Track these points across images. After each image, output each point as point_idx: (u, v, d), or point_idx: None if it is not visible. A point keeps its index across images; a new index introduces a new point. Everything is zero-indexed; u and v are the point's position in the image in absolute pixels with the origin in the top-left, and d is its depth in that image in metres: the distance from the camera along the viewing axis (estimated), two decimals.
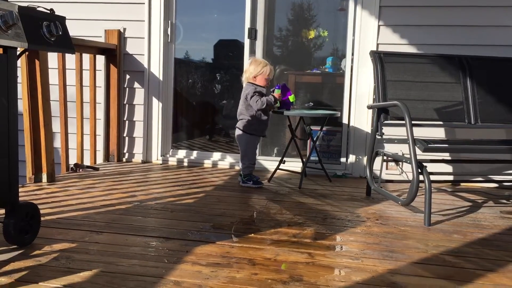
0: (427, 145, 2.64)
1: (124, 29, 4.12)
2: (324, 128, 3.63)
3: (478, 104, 3.19)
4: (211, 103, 4.98)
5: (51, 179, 3.25)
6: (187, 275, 1.75)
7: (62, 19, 2.07)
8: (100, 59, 4.02)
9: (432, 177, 2.60)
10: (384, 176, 3.48)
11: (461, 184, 3.66)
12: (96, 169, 3.75)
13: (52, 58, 3.35)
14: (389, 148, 3.51)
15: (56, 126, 3.49)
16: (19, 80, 2.30)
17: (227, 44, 4.77)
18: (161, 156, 4.23)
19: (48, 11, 2.03)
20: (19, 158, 2.00)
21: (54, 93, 3.42)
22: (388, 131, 3.08)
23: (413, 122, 2.66)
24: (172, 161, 4.23)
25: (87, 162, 3.85)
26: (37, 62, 3.11)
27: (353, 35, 3.86)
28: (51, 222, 2.33)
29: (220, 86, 4.94)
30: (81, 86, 3.71)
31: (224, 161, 4.18)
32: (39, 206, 2.10)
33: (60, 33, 2.00)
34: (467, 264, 1.96)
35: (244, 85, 3.40)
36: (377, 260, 1.97)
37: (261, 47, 4.11)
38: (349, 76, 3.91)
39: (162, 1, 4.06)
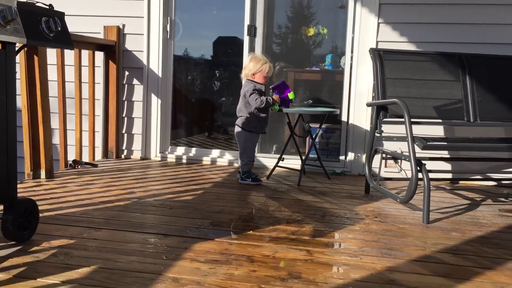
0: (426, 143, 2.64)
1: (123, 26, 4.10)
2: (323, 126, 3.63)
3: (477, 102, 3.18)
4: (210, 100, 4.98)
5: (50, 175, 3.25)
6: (185, 271, 1.75)
7: (61, 15, 2.07)
8: (99, 56, 4.01)
9: (431, 175, 2.60)
10: (383, 174, 3.49)
11: (460, 182, 3.66)
12: (95, 165, 3.74)
13: (51, 55, 3.34)
14: (388, 146, 3.51)
15: (55, 122, 3.48)
16: (17, 76, 2.29)
17: (226, 41, 4.76)
18: (160, 153, 4.22)
19: (47, 7, 2.02)
20: (18, 154, 2.00)
21: (53, 89, 3.41)
22: (387, 129, 3.08)
23: (412, 120, 2.66)
24: (171, 158, 4.22)
25: (85, 158, 3.85)
26: (36, 58, 3.10)
27: (353, 32, 3.85)
28: (49, 218, 2.33)
29: (219, 83, 4.94)
30: (80, 82, 3.70)
31: (223, 158, 4.18)
32: (38, 202, 2.10)
33: (59, 29, 1.99)
34: (465, 262, 1.96)
35: (243, 82, 3.39)
36: (376, 258, 1.97)
37: (260, 44, 4.10)
38: (349, 74, 3.91)
39: None
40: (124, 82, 4.17)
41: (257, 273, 1.76)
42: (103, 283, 1.63)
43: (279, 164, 3.62)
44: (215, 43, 4.79)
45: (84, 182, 3.20)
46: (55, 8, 2.07)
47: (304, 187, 3.33)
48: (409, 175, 2.59)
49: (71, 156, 3.68)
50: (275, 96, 3.34)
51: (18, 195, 2.02)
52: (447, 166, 3.61)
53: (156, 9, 4.06)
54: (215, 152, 4.28)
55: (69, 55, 3.57)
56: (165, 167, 3.93)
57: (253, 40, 4.08)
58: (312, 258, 1.94)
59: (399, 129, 2.88)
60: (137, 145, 4.22)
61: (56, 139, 3.63)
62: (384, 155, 3.11)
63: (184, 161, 4.20)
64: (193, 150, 4.32)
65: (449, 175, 3.59)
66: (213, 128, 5.01)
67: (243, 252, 1.98)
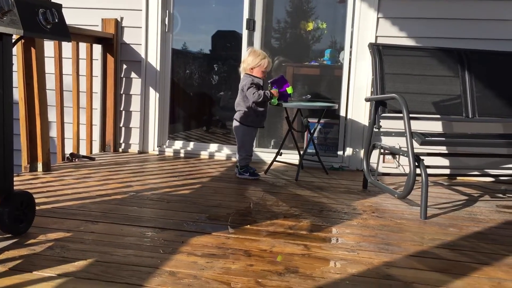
0: (425, 138, 2.64)
1: (122, 18, 4.08)
2: (321, 121, 3.63)
3: (476, 98, 3.18)
4: (208, 94, 4.96)
5: (47, 168, 3.24)
6: (182, 265, 1.75)
7: (58, 7, 2.05)
8: (97, 48, 3.99)
9: (429, 171, 2.60)
10: (381, 169, 3.48)
11: (458, 178, 3.66)
12: (92, 159, 3.73)
13: (48, 47, 3.32)
14: (386, 141, 3.51)
15: (52, 115, 3.46)
16: (14, 68, 2.28)
17: (225, 35, 4.74)
18: (157, 146, 4.21)
19: None
20: (15, 147, 1.99)
21: (50, 82, 3.39)
22: (386, 124, 3.08)
23: (410, 115, 2.65)
24: (169, 152, 4.21)
25: (83, 152, 3.84)
26: (33, 50, 3.08)
27: (352, 27, 3.84)
28: (46, 211, 2.32)
29: (218, 77, 4.92)
30: (78, 75, 3.68)
31: (220, 153, 4.17)
32: (34, 195, 2.09)
33: (56, 20, 1.97)
34: (462, 258, 1.97)
35: (241, 76, 3.38)
36: (373, 253, 1.97)
37: (259, 39, 4.09)
38: (347, 69, 3.90)
39: None
40: (122, 76, 4.15)
41: (254, 268, 1.75)
42: (99, 276, 1.62)
43: (277, 159, 3.61)
44: (214, 37, 4.76)
45: (81, 175, 3.19)
46: (53, 0, 2.06)
47: (302, 182, 3.33)
48: (407, 171, 2.59)
49: (68, 149, 3.67)
50: (274, 90, 3.33)
51: (15, 188, 2.01)
52: (445, 161, 3.61)
53: (155, 2, 4.04)
54: (213, 146, 4.27)
55: (67, 47, 3.55)
56: (163, 161, 3.92)
57: (251, 34, 4.06)
58: (309, 252, 1.94)
59: (398, 125, 2.88)
60: (134, 138, 4.21)
61: (53, 132, 3.61)
62: (382, 151, 3.11)
63: (182, 155, 4.19)
64: (191, 144, 4.32)
65: (447, 171, 3.59)
66: (211, 122, 5.00)
67: (240, 246, 1.98)
